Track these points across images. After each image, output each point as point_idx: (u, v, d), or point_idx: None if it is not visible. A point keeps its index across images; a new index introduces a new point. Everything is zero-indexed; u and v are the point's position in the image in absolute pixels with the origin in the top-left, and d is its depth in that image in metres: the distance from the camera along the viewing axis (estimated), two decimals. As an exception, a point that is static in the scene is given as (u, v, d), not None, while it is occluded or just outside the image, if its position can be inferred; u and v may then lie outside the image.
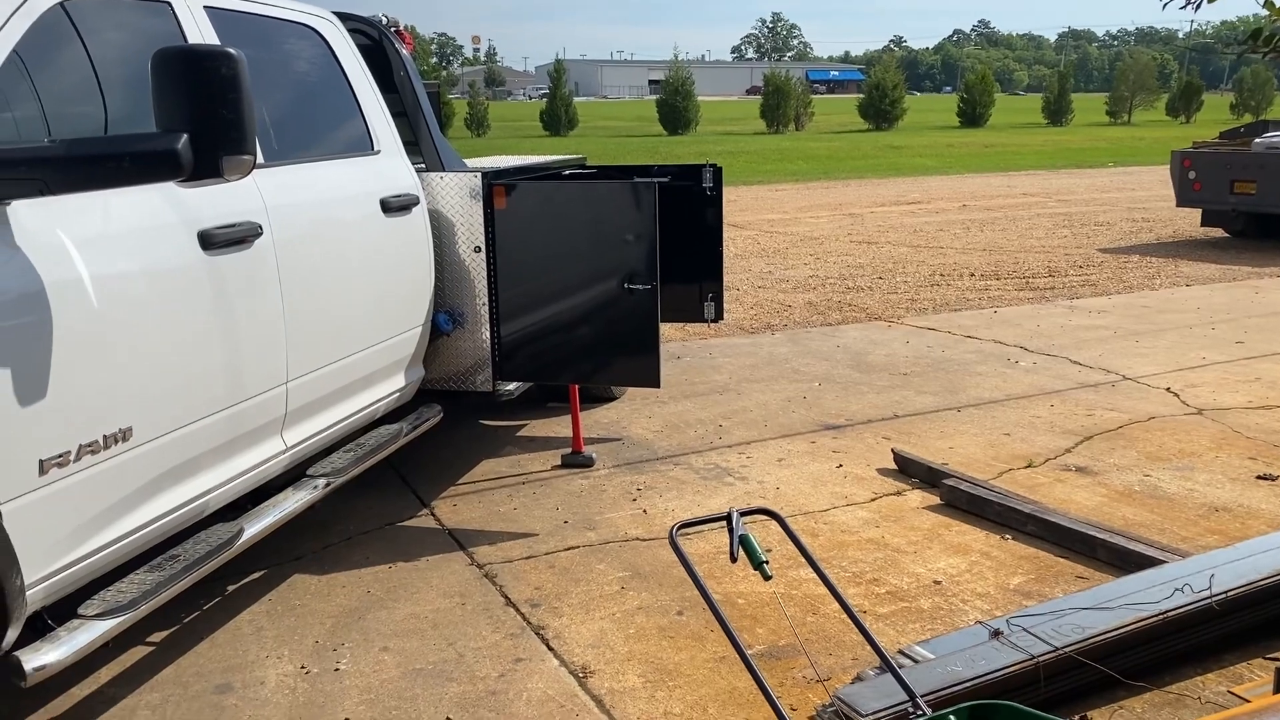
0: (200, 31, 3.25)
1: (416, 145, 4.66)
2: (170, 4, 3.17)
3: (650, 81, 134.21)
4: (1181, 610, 3.09)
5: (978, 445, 5.47)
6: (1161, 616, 3.06)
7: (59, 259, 2.51)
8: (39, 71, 2.65)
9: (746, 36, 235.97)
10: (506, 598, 3.84)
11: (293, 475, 3.67)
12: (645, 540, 4.34)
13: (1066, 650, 2.89)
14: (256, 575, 4.02)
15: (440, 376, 4.67)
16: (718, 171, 5.70)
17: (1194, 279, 10.97)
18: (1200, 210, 14.35)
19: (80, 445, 2.55)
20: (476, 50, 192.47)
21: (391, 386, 4.23)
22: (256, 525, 3.29)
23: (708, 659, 3.38)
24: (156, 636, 3.56)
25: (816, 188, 22.82)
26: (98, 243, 2.64)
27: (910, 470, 5.00)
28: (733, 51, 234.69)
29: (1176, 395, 6.35)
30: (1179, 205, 14.27)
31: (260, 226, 3.24)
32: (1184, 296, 9.90)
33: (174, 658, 3.44)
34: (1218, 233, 14.62)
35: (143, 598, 2.74)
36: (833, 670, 3.26)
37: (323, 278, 3.61)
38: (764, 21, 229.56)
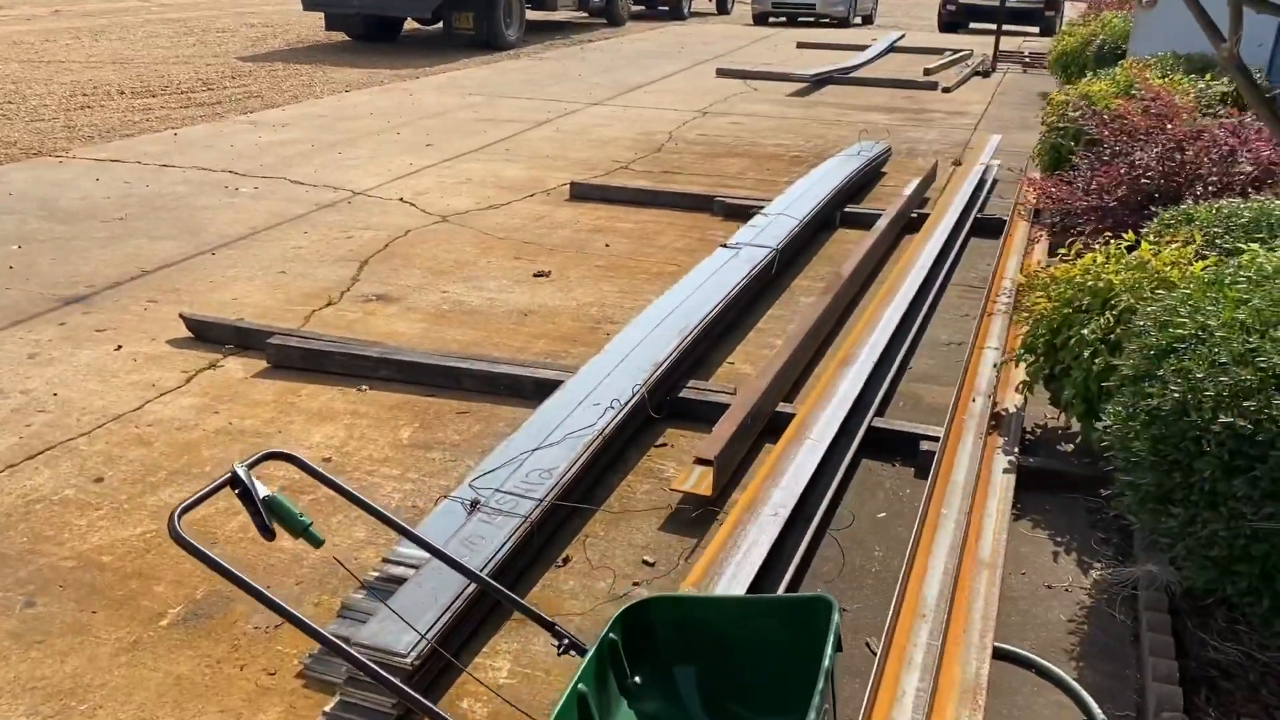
0: None
1: None
2: None
3: None
4: (612, 424, 3.12)
5: (261, 290, 4.85)
6: (601, 436, 3.06)
7: None
8: None
9: None
10: None
11: None
12: (-106, 515, 3.00)
13: (550, 501, 2.72)
14: None
15: None
16: None
17: (349, 84, 11.10)
18: (324, 15, 14.47)
19: None
20: None
21: None
22: None
23: (110, 652, 2.47)
24: None
25: None
26: None
27: (211, 335, 4.23)
28: None
29: (413, 204, 6.39)
30: (306, 9, 14.17)
31: None
32: (352, 103, 9.96)
33: None
34: (341, 37, 14.97)
35: None
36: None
37: None
38: None
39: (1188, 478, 2.39)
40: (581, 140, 8.45)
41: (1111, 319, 3.15)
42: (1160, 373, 2.52)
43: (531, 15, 15.85)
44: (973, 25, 19.65)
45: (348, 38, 14.85)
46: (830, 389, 3.34)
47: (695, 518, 2.96)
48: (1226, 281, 2.74)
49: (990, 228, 6.05)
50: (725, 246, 4.90)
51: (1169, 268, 3.19)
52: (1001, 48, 14.45)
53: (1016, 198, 6.48)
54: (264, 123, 8.83)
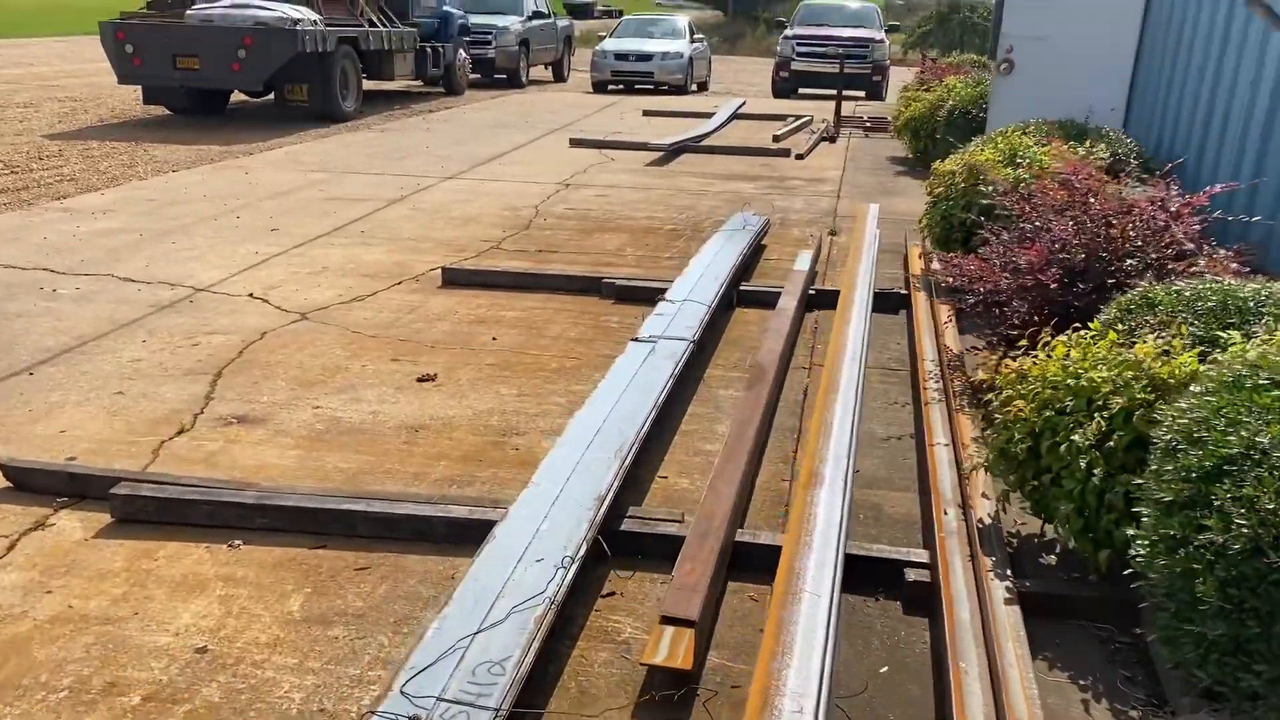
0: None
1: None
2: None
3: None
4: (564, 586, 2.59)
5: (96, 418, 4.09)
6: (554, 605, 2.52)
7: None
8: None
9: None
10: None
11: None
12: None
13: (509, 710, 2.17)
14: None
15: None
16: None
17: (176, 164, 10.20)
18: (142, 87, 13.46)
19: None
20: None
21: None
22: None
23: None
24: None
25: None
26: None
27: (37, 484, 3.46)
28: None
29: (266, 301, 5.69)
30: (121, 82, 13.12)
31: None
32: (182, 184, 9.10)
33: None
34: (161, 110, 13.94)
35: None
36: None
37: None
38: None
39: (1269, 627, 2.07)
40: (443, 218, 7.90)
41: (1103, 422, 2.85)
42: (1216, 501, 2.20)
43: (368, 85, 15.21)
44: (804, 90, 20.11)
45: (170, 111, 13.85)
46: (807, 518, 2.91)
47: (677, 700, 2.46)
48: (1248, 385, 2.47)
49: (888, 302, 5.83)
50: (638, 340, 4.45)
51: (1157, 363, 2.92)
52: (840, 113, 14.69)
53: (906, 270, 6.31)
54: (81, 210, 7.91)
